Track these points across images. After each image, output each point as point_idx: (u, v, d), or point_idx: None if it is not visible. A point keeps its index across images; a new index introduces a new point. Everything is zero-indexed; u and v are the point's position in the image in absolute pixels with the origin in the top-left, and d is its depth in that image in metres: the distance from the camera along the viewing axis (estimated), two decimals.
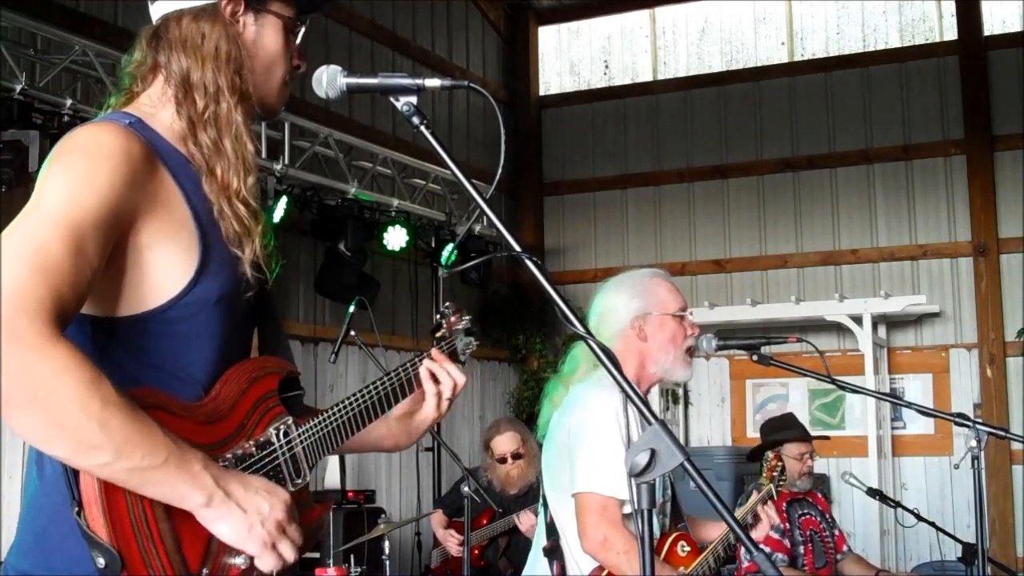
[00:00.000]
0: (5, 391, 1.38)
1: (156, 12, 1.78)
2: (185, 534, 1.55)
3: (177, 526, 1.54)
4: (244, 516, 1.56)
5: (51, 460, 1.56)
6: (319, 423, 1.81)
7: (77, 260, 1.47)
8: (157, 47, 1.75)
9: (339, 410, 1.86)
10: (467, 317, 2.20)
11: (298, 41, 1.83)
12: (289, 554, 1.61)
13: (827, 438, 5.18)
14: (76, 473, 1.49)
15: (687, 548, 3.04)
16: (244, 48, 1.77)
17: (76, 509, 1.49)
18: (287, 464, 1.72)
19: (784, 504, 4.81)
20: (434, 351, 2.08)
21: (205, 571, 1.57)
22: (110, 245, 1.54)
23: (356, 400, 1.90)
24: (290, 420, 1.76)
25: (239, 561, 1.60)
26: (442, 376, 2.04)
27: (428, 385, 2.03)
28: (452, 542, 5.82)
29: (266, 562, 1.59)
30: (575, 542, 2.92)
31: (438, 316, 2.18)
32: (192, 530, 1.56)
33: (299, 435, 1.76)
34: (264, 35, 1.79)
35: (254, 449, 1.68)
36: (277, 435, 1.72)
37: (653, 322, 3.09)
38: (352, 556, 5.34)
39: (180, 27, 1.74)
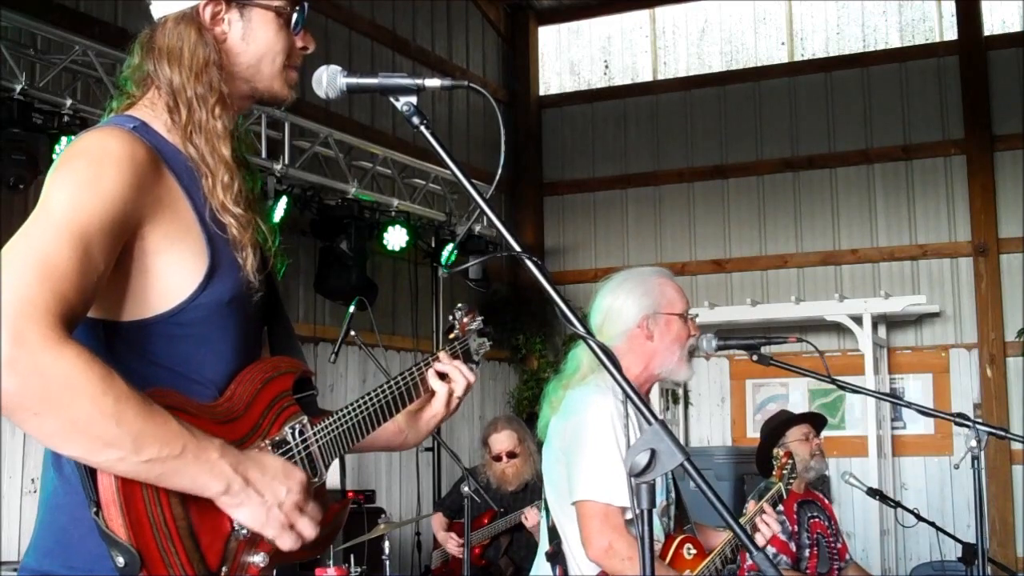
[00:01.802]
0: (19, 398, 1.40)
1: (155, 12, 1.80)
2: (204, 533, 1.57)
3: (196, 525, 1.56)
4: (262, 502, 1.59)
5: (69, 459, 1.57)
6: (333, 422, 1.83)
7: (83, 265, 1.48)
8: (148, 54, 1.76)
9: (353, 410, 1.87)
10: (480, 318, 2.20)
11: (293, 25, 1.82)
12: (308, 532, 1.65)
13: (824, 418, 5.16)
14: (94, 473, 1.50)
15: (693, 551, 3.03)
16: (230, 47, 1.77)
17: (94, 509, 1.49)
18: (303, 463, 1.74)
19: (795, 505, 4.79)
20: (441, 353, 2.09)
21: (224, 569, 1.59)
22: (117, 250, 1.56)
23: (370, 400, 1.91)
24: (305, 419, 1.77)
25: (258, 559, 1.62)
26: (454, 375, 2.05)
27: (437, 384, 2.04)
28: (452, 544, 5.82)
29: (285, 542, 1.62)
30: (577, 546, 2.91)
31: (451, 317, 2.19)
32: (211, 529, 1.58)
33: (314, 434, 1.78)
34: (253, 29, 1.79)
35: (270, 448, 1.69)
36: (292, 434, 1.74)
37: (660, 322, 3.08)
38: (352, 556, 5.34)
39: (164, 34, 1.75)
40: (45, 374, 1.40)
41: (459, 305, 2.21)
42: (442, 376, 2.05)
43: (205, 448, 1.53)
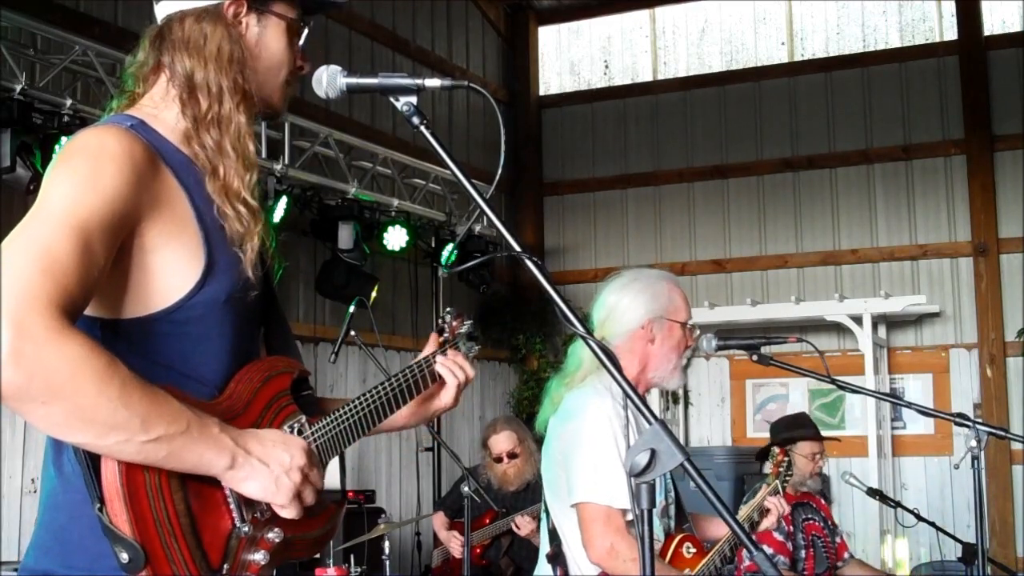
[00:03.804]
0: (26, 389, 1.40)
1: (160, 12, 1.80)
2: (206, 530, 1.57)
3: (198, 522, 1.56)
4: (268, 471, 1.60)
5: (71, 458, 1.58)
6: (331, 422, 1.84)
7: (84, 259, 1.48)
8: (160, 48, 1.76)
9: (351, 409, 1.89)
10: (469, 322, 2.21)
11: (301, 42, 1.85)
12: (310, 498, 1.67)
13: (838, 439, 5.16)
14: (97, 468, 1.50)
15: (692, 550, 3.03)
16: (247, 49, 1.78)
17: (98, 505, 1.50)
18: None
19: (789, 507, 4.80)
20: (450, 350, 2.11)
21: (226, 567, 1.59)
22: (116, 246, 1.56)
23: (368, 399, 1.93)
24: (303, 419, 1.78)
25: (258, 557, 1.63)
26: (457, 372, 2.08)
27: (450, 377, 2.07)
28: (455, 544, 5.82)
29: (291, 512, 1.64)
30: (577, 548, 2.91)
31: (440, 321, 2.19)
32: (213, 526, 1.58)
33: (312, 434, 1.79)
34: (267, 36, 1.80)
35: None
36: (291, 433, 1.74)
37: (664, 327, 3.09)
38: (352, 556, 5.34)
39: (183, 28, 1.75)
40: (50, 364, 1.40)
41: (448, 309, 2.22)
42: (449, 371, 2.08)
43: (207, 424, 1.54)
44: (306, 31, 1.85)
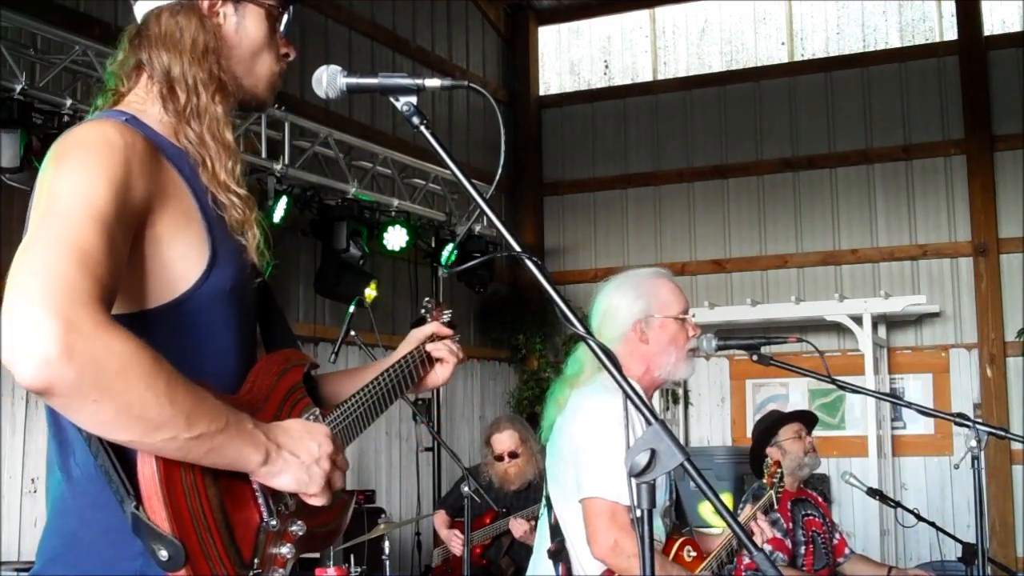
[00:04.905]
0: (78, 386, 1.37)
1: (139, 11, 1.81)
2: (238, 525, 1.57)
3: (231, 517, 1.56)
4: (300, 462, 1.61)
5: (79, 462, 1.56)
6: (344, 412, 1.88)
7: (111, 249, 1.46)
8: (139, 45, 1.77)
9: (361, 398, 1.94)
10: (448, 311, 2.27)
11: (282, 29, 1.84)
12: (340, 482, 1.69)
13: (815, 416, 5.17)
14: (131, 468, 1.48)
15: (693, 553, 3.03)
16: (225, 39, 1.78)
17: (134, 503, 1.47)
18: None
19: (788, 503, 4.81)
20: (439, 327, 2.19)
21: (255, 561, 1.60)
22: (131, 235, 1.55)
23: (375, 387, 1.99)
24: (317, 411, 1.80)
25: (284, 551, 1.64)
26: (456, 351, 2.18)
27: (450, 356, 2.17)
28: (456, 542, 5.82)
29: (322, 499, 1.65)
30: (580, 544, 2.91)
31: (422, 311, 2.25)
32: (243, 522, 1.58)
33: (328, 424, 1.81)
34: (246, 25, 1.80)
35: None
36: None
37: (654, 325, 3.07)
38: (352, 556, 5.34)
39: (159, 23, 1.76)
40: (100, 359, 1.37)
41: (427, 299, 2.29)
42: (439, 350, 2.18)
43: (242, 420, 1.54)
44: (286, 17, 1.83)
